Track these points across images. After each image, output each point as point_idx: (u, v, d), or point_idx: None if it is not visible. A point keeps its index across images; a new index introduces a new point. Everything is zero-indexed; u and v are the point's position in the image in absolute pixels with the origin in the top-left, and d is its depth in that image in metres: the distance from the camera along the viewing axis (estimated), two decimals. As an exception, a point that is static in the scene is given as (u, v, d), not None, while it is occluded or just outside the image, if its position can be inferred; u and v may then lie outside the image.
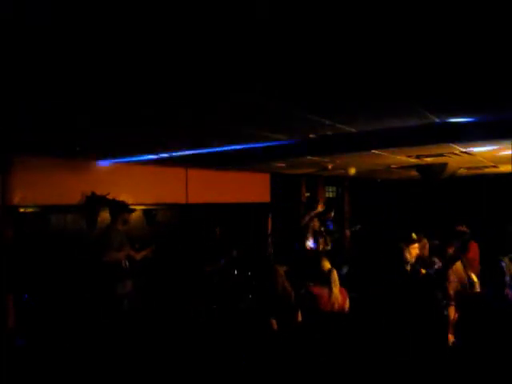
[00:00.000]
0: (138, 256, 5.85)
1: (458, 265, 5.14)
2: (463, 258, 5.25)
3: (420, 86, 2.88)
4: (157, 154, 5.80)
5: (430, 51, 2.21)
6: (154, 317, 5.83)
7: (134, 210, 6.29)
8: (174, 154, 5.71)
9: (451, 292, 4.84)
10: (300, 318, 4.29)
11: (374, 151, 5.57)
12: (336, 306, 4.47)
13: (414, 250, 5.83)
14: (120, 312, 5.58)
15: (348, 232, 9.79)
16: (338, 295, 4.50)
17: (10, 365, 4.70)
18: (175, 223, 7.42)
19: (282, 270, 4.52)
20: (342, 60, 2.33)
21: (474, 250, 7.18)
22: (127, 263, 5.72)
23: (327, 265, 4.68)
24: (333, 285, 4.50)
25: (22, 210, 5.53)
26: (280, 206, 9.46)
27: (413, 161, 6.56)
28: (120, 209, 5.91)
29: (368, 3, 1.67)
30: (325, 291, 4.47)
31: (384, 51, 2.20)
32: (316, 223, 8.19)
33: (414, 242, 6.06)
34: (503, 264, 3.74)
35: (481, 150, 5.66)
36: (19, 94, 2.87)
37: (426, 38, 2.01)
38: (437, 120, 3.85)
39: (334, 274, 4.58)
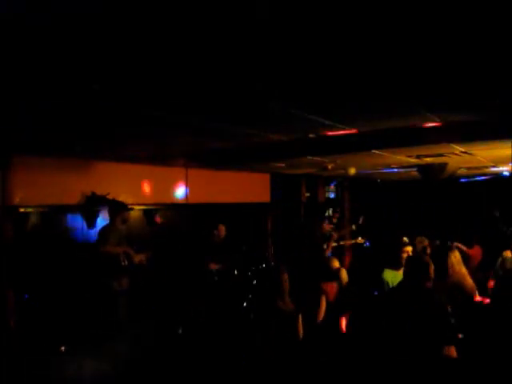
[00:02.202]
0: (136, 256, 5.88)
1: None
2: None
3: (420, 86, 2.88)
4: (156, 153, 5.80)
5: (431, 51, 2.21)
6: (153, 316, 5.83)
7: (131, 209, 6.31)
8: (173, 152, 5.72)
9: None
10: (301, 329, 4.18)
11: (374, 151, 5.58)
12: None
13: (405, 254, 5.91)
14: (117, 309, 5.60)
15: (348, 230, 9.73)
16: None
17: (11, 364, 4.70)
18: (175, 223, 7.42)
19: (286, 275, 4.32)
20: (343, 60, 2.33)
21: (476, 250, 7.25)
22: (126, 261, 5.75)
23: (336, 264, 5.03)
24: (342, 282, 4.86)
25: (22, 209, 5.53)
26: (280, 205, 9.46)
27: (413, 161, 6.56)
28: (118, 208, 5.97)
29: (368, 3, 1.67)
30: (334, 286, 4.80)
31: (384, 51, 2.20)
32: (326, 227, 8.30)
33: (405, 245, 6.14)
34: None
35: (481, 149, 5.67)
36: (19, 94, 2.88)
37: (425, 38, 2.01)
38: (437, 120, 3.85)
39: (343, 272, 4.94)
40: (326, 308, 4.64)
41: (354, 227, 9.28)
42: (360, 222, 9.27)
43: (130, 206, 6.19)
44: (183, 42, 2.00)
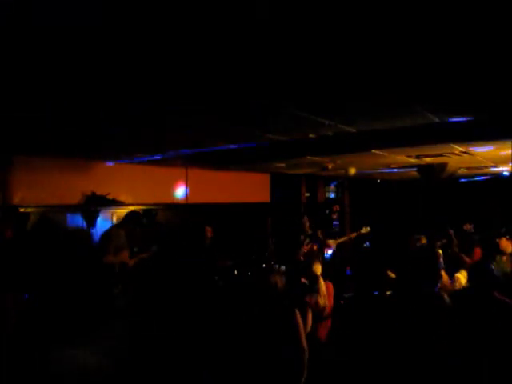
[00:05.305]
0: (131, 262, 5.80)
1: None
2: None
3: (420, 86, 2.87)
4: (158, 154, 5.80)
5: (431, 52, 2.20)
6: (152, 317, 5.82)
7: (146, 227, 6.21)
8: (174, 153, 5.72)
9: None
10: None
11: (373, 151, 5.57)
12: (327, 309, 4.66)
13: None
14: (114, 310, 5.58)
15: (351, 234, 9.65)
16: (324, 301, 4.61)
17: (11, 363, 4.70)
18: (175, 223, 7.41)
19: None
20: (343, 60, 2.33)
21: (477, 255, 7.25)
22: (119, 270, 5.66)
23: (317, 270, 4.71)
24: (319, 293, 4.58)
25: (22, 209, 5.53)
26: (280, 205, 9.46)
27: (413, 161, 6.56)
28: (136, 222, 5.82)
29: (369, 4, 1.67)
30: (317, 299, 4.57)
31: (384, 51, 2.19)
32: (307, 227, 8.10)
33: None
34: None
35: (481, 150, 5.67)
36: (21, 94, 2.88)
37: (426, 39, 2.01)
38: (437, 120, 3.85)
39: (321, 281, 4.65)
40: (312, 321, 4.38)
41: (366, 229, 8.92)
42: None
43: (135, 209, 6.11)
44: (184, 42, 2.00)
